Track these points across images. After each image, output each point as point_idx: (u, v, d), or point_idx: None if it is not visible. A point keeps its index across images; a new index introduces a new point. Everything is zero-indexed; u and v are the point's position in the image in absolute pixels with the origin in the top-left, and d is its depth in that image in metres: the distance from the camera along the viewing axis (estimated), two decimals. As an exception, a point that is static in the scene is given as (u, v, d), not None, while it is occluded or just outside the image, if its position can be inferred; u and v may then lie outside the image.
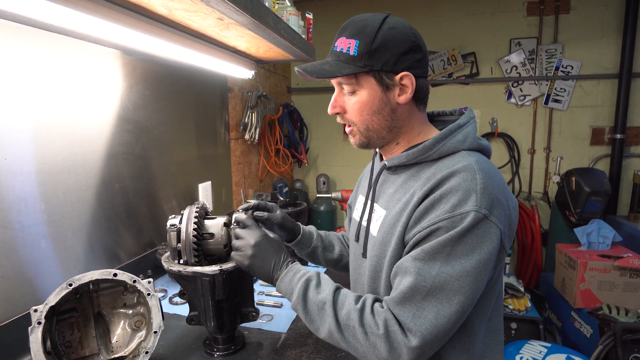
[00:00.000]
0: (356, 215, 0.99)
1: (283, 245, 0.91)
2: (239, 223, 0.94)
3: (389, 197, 0.86)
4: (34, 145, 1.07)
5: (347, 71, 0.79)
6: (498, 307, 0.85)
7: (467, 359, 0.78)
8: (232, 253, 0.91)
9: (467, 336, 0.77)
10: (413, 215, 0.76)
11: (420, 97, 0.84)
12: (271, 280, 0.87)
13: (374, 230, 0.87)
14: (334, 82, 0.85)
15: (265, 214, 1.05)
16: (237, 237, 0.91)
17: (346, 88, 0.83)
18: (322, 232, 1.18)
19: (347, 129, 0.88)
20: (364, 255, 0.90)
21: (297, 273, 0.84)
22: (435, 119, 0.93)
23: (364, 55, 0.78)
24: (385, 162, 0.88)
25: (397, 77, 0.79)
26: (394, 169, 0.87)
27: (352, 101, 0.83)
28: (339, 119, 0.88)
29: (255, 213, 1.04)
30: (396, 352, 0.70)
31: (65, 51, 1.15)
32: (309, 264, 1.33)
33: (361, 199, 0.99)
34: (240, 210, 1.00)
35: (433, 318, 0.69)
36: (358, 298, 0.78)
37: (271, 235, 0.92)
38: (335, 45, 0.82)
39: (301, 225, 1.14)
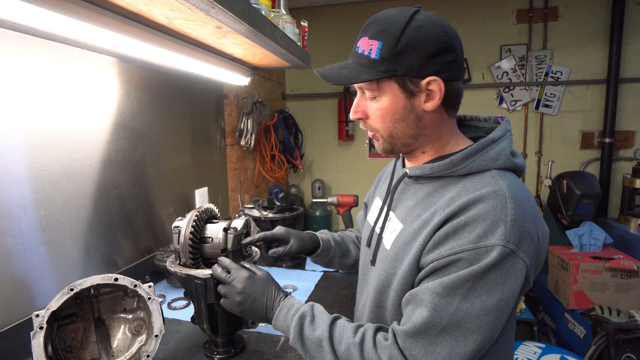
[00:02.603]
0: (370, 219, 0.95)
1: (271, 280, 0.86)
2: (223, 268, 0.88)
3: (408, 210, 0.80)
4: (34, 152, 1.08)
5: (367, 77, 0.73)
6: (509, 334, 0.79)
7: None
8: (221, 300, 0.87)
9: None
10: (432, 239, 0.70)
11: (451, 103, 0.76)
12: (267, 321, 0.84)
13: (387, 242, 0.82)
14: (355, 86, 0.79)
15: (280, 249, 1.03)
16: (222, 282, 0.86)
17: (367, 93, 0.77)
18: (338, 238, 1.15)
19: (370, 134, 0.82)
20: (373, 263, 0.87)
21: (290, 309, 0.80)
22: (467, 123, 0.88)
23: (387, 59, 0.71)
24: (407, 171, 0.82)
25: (424, 82, 0.72)
26: (416, 178, 0.81)
27: (374, 107, 0.77)
28: (361, 125, 0.82)
29: (270, 252, 1.03)
30: None
31: (64, 60, 1.16)
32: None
33: (377, 202, 0.94)
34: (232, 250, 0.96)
35: (447, 356, 0.64)
36: (357, 329, 0.74)
37: (257, 272, 0.87)
38: (357, 45, 0.75)
39: (319, 237, 1.11)
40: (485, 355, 0.71)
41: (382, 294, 0.81)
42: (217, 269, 0.89)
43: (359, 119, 0.81)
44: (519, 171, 0.77)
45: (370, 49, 0.72)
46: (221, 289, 0.87)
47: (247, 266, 0.89)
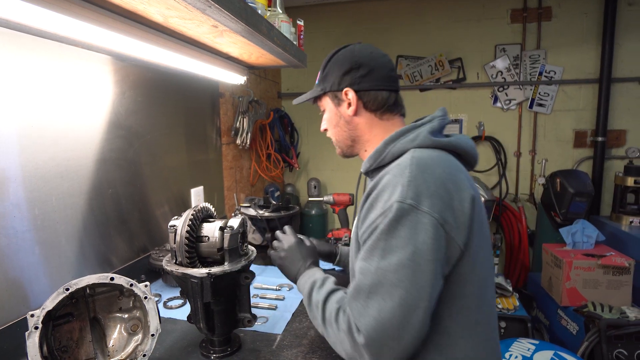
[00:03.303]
0: None
1: (313, 252, 1.05)
2: (283, 230, 1.11)
3: (361, 203, 0.92)
4: (28, 151, 1.07)
5: (308, 96, 1.02)
6: (481, 310, 0.80)
7: None
8: (269, 250, 1.09)
9: (440, 337, 0.76)
10: (361, 217, 0.82)
11: (376, 108, 0.94)
12: (294, 280, 1.00)
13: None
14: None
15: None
16: (277, 239, 1.08)
17: (320, 109, 1.03)
18: None
19: None
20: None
21: (312, 276, 0.94)
22: None
23: (320, 81, 0.99)
24: (361, 169, 0.98)
25: (343, 93, 0.94)
26: (368, 174, 0.95)
27: (324, 119, 1.02)
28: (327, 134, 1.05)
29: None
30: (357, 347, 0.73)
31: (59, 58, 1.16)
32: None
33: None
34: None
35: (376, 314, 0.70)
36: (343, 298, 0.83)
37: (307, 242, 1.07)
38: None
39: (340, 247, 1.27)
40: (453, 330, 0.77)
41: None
42: (279, 232, 1.11)
43: (325, 130, 1.03)
44: (448, 148, 0.84)
45: (317, 77, 1.01)
46: (275, 242, 1.08)
47: (301, 237, 1.10)
